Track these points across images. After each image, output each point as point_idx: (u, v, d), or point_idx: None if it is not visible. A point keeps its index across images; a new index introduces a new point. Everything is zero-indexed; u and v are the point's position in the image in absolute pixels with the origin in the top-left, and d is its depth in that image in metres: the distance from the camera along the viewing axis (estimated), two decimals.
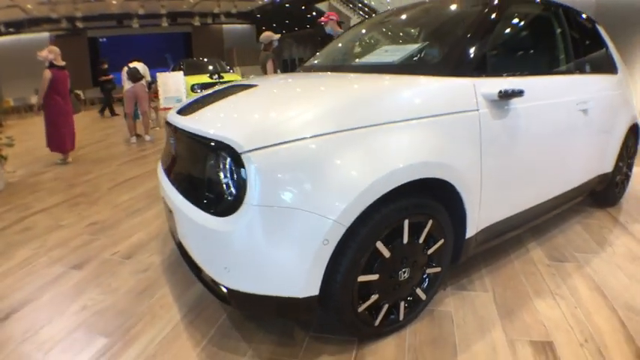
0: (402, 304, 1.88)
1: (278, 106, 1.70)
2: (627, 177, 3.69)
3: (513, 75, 2.13)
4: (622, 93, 3.24)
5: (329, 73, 2.52)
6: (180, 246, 2.02)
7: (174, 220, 1.94)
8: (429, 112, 1.74)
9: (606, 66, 3.19)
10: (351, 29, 3.49)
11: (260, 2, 14.74)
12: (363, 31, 3.27)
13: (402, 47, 2.41)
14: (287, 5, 15.69)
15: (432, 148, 1.71)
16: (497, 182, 2.06)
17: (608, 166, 3.20)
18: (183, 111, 2.14)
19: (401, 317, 1.89)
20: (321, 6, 18.80)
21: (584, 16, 3.17)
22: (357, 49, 3.01)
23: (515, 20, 2.47)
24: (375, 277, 1.69)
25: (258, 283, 1.54)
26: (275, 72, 5.76)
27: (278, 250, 1.47)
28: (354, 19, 19.04)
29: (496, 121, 1.97)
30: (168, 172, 2.21)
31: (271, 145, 1.44)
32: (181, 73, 10.16)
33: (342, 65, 2.75)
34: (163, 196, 2.21)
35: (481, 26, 2.11)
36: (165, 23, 17.26)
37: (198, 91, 10.75)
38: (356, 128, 1.53)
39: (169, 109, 9.50)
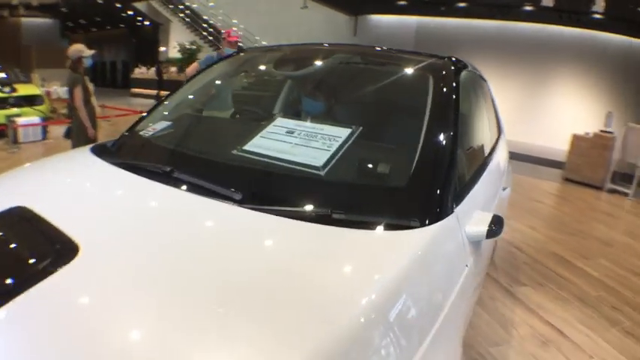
0: None
1: None
2: None
3: (472, 187, 1.54)
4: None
5: (207, 202, 1.20)
6: None
7: None
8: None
9: (497, 131, 2.87)
10: (223, 66, 2.31)
11: None
12: (247, 77, 2.36)
13: (326, 131, 1.48)
14: (99, 1, 13.38)
15: None
16: None
17: None
18: None
19: None
20: (139, 5, 16.80)
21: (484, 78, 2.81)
22: (245, 120, 2.09)
23: (466, 97, 1.77)
24: None
25: None
26: (85, 106, 4.39)
27: None
28: (175, 22, 17.55)
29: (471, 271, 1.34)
30: None
31: None
32: None
33: (222, 164, 1.47)
34: None
35: (446, 108, 1.49)
36: None
37: None
38: None
39: None
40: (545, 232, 4.69)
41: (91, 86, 4.75)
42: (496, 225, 1.28)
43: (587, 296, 3.22)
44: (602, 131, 7.45)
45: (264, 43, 15.22)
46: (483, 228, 1.27)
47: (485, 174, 1.79)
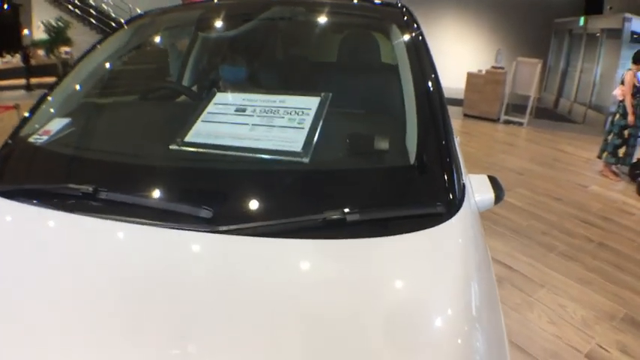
0: None
1: None
2: None
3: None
4: None
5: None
6: None
7: None
8: None
9: None
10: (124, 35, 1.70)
11: None
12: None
13: (288, 103, 1.16)
14: None
15: None
16: None
17: None
18: None
19: None
20: None
21: None
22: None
23: None
24: None
25: None
26: None
27: None
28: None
29: None
30: None
31: None
32: None
33: (164, 168, 1.11)
34: None
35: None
36: None
37: None
38: None
39: None
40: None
41: None
42: (497, 188, 1.20)
43: (520, 227, 3.46)
44: (493, 67, 7.96)
45: (138, 10, 13.85)
46: (490, 195, 1.16)
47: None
